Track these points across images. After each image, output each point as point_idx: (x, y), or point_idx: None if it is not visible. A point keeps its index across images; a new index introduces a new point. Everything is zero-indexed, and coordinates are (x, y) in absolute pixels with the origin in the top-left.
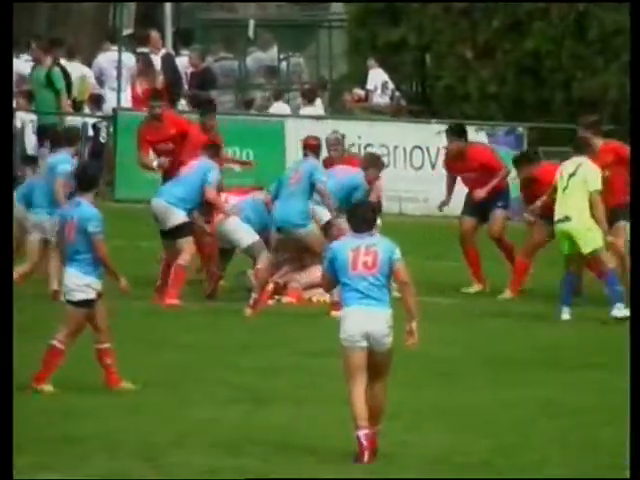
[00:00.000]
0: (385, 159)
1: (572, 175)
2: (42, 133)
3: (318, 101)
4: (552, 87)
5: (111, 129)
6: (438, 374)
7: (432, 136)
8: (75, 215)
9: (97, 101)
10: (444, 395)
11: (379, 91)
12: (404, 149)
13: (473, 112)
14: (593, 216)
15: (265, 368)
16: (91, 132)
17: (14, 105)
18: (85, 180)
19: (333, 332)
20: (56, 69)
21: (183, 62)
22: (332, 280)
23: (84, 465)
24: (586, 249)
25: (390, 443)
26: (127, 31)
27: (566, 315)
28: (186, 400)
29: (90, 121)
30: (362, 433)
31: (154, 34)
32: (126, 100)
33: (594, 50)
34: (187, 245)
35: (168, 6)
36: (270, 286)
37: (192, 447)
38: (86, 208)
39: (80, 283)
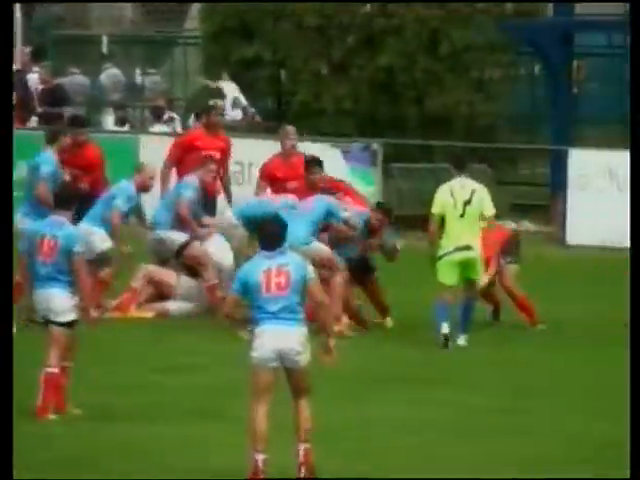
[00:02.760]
0: (239, 176)
1: (468, 203)
2: None
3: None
4: (406, 103)
5: None
6: None
7: None
8: (59, 234)
9: None
10: None
11: (229, 105)
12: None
13: (329, 128)
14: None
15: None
16: None
17: None
18: (64, 198)
19: None
20: None
21: (33, 79)
22: (238, 301)
23: None
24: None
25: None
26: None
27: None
28: None
29: None
30: (260, 458)
31: None
32: None
33: (445, 67)
34: None
35: (19, 24)
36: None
37: None
38: (71, 228)
39: (70, 304)
